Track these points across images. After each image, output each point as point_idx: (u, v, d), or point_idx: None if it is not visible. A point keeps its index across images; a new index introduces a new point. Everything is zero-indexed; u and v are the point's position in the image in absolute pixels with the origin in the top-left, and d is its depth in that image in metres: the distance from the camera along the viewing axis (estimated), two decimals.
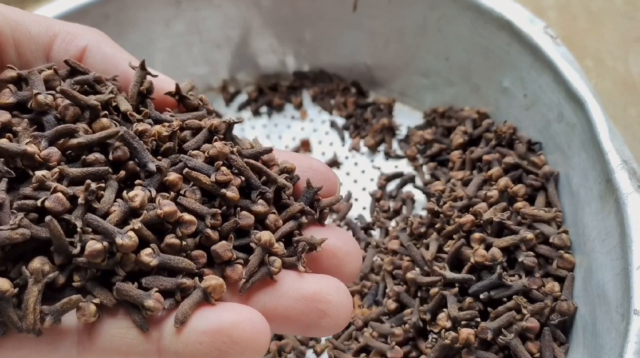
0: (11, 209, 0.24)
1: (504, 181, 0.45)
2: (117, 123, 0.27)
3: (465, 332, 0.38)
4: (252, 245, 0.27)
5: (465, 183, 0.49)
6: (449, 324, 0.40)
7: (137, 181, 0.26)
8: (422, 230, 0.47)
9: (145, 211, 0.25)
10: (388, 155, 0.58)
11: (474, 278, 0.41)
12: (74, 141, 0.26)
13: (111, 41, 0.32)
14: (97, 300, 0.24)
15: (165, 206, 0.25)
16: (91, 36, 0.31)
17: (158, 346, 0.25)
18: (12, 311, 0.23)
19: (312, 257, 0.28)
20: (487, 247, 0.42)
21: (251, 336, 0.24)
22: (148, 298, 0.24)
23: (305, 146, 0.59)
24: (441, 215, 0.46)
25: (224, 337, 0.24)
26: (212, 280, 0.25)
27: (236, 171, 0.28)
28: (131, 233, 0.24)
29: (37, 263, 0.24)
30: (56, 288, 0.24)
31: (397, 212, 0.53)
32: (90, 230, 0.24)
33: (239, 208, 0.27)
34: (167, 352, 0.25)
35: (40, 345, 0.24)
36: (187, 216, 0.26)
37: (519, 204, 0.44)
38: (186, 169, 0.27)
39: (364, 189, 0.56)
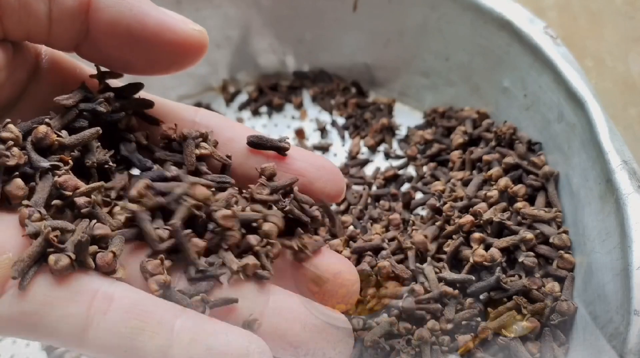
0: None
1: (504, 181, 0.45)
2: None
3: (463, 340, 0.38)
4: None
5: (465, 183, 0.49)
6: (449, 327, 0.40)
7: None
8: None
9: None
10: (388, 155, 0.58)
11: (473, 278, 0.41)
12: None
13: None
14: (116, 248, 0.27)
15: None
16: None
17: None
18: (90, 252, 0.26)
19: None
20: (487, 247, 0.42)
21: None
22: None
23: (299, 134, 0.59)
24: (443, 214, 0.46)
25: None
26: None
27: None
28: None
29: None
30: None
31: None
32: None
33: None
34: None
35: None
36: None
37: (519, 205, 0.44)
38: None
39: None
